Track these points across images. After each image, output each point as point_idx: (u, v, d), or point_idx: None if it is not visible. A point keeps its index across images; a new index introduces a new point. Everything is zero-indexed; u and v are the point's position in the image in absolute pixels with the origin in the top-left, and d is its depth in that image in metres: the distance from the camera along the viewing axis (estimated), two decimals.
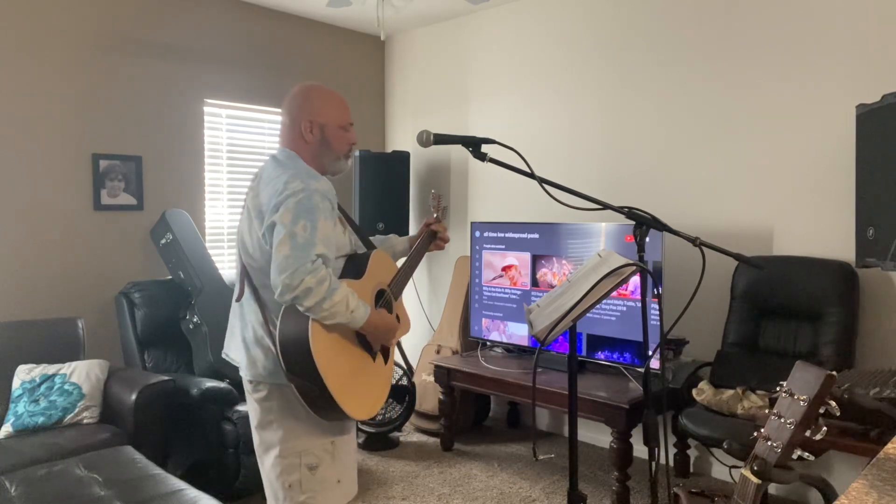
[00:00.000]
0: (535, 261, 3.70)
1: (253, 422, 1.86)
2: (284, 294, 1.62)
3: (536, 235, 3.68)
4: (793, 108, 3.17)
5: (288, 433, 1.78)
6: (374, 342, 1.84)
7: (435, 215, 2.21)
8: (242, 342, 1.83)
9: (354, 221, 2.00)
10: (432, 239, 2.16)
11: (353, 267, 1.84)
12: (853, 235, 2.80)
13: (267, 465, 1.82)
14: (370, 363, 1.83)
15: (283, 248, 1.64)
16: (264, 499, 1.88)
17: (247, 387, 1.86)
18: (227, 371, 3.23)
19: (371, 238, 2.13)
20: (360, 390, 1.75)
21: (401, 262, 2.11)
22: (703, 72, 3.45)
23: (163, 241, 3.62)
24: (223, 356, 1.94)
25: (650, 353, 2.52)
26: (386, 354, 1.92)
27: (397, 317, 1.95)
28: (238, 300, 1.85)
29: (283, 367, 1.68)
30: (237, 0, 4.17)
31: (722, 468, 3.39)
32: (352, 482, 1.89)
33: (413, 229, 4.69)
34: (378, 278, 1.90)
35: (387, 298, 1.93)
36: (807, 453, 1.04)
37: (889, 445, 1.20)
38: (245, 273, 1.83)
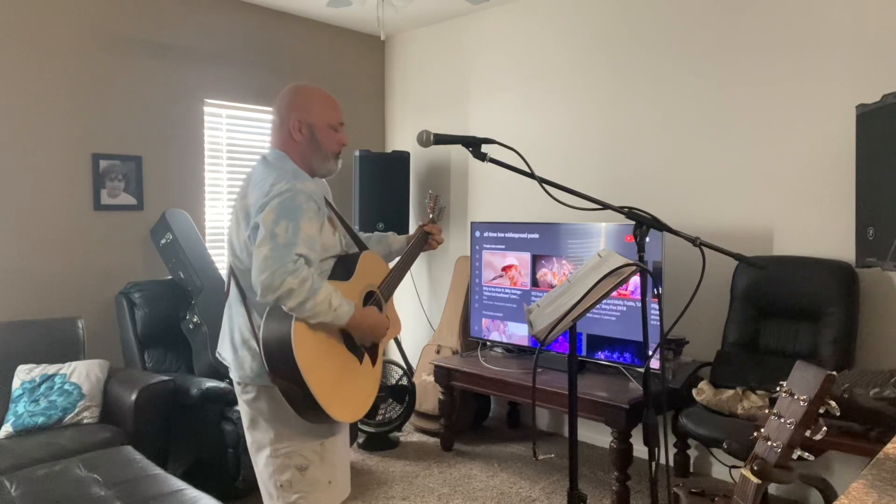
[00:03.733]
0: (535, 261, 3.70)
1: (244, 422, 1.87)
2: (266, 295, 1.62)
3: (536, 235, 3.68)
4: (793, 108, 3.17)
5: (277, 434, 1.78)
6: (361, 340, 1.83)
7: (430, 216, 2.20)
8: (230, 343, 1.84)
9: (347, 222, 1.98)
10: (425, 240, 2.14)
11: (343, 268, 1.84)
12: (853, 235, 2.80)
13: (260, 464, 1.83)
14: (356, 365, 1.82)
15: (263, 248, 1.63)
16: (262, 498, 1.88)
17: (236, 388, 1.87)
18: (227, 371, 3.23)
19: (369, 235, 2.12)
20: (345, 393, 1.74)
21: (393, 263, 2.09)
22: (703, 71, 3.45)
23: (163, 241, 3.62)
24: (216, 355, 1.95)
25: (650, 353, 2.52)
26: (374, 356, 1.91)
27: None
28: (225, 300, 1.86)
29: (267, 369, 1.68)
30: (237, 0, 4.17)
31: (722, 468, 3.39)
32: (344, 483, 1.89)
33: (413, 229, 4.69)
34: (367, 279, 1.90)
35: (376, 299, 1.92)
36: (807, 453, 1.04)
37: (889, 445, 1.20)
38: (232, 274, 1.83)
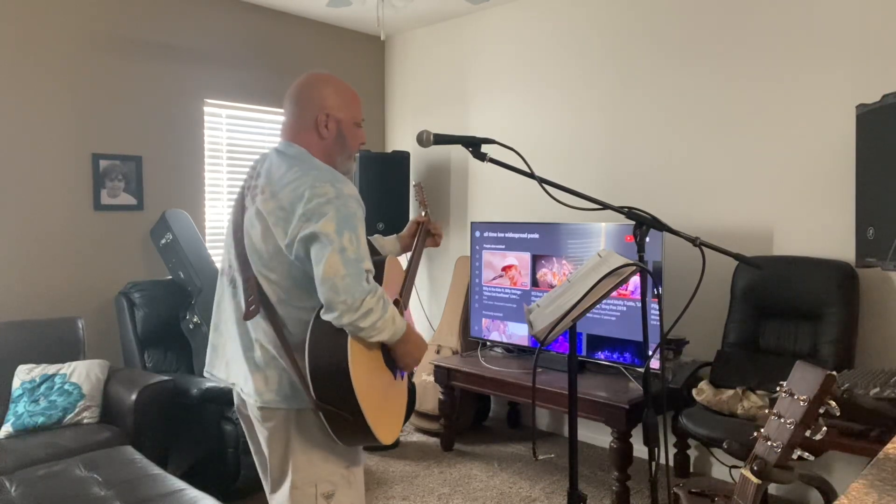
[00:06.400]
0: (535, 261, 3.70)
1: (264, 450, 1.69)
2: (343, 316, 1.48)
3: (536, 235, 3.68)
4: (793, 108, 3.17)
5: (303, 461, 1.63)
6: (402, 360, 1.69)
7: (423, 212, 2.10)
8: (246, 363, 1.64)
9: None
10: (426, 238, 2.07)
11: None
12: (853, 235, 2.80)
13: (280, 497, 1.67)
14: (393, 382, 1.71)
15: (336, 266, 1.47)
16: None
17: (254, 413, 1.67)
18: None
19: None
20: (388, 413, 1.64)
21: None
22: (704, 71, 3.45)
23: (163, 241, 3.62)
24: (206, 374, 1.78)
25: (650, 353, 2.52)
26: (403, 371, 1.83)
27: None
28: (249, 318, 1.63)
29: (313, 393, 1.52)
30: (237, 0, 4.17)
31: (722, 468, 3.39)
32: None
33: None
34: (392, 287, 1.79)
35: (399, 309, 1.81)
36: (807, 453, 1.04)
37: (889, 445, 1.20)
38: (256, 286, 1.62)
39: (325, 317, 1.51)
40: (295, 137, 1.69)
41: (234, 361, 1.69)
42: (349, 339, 1.52)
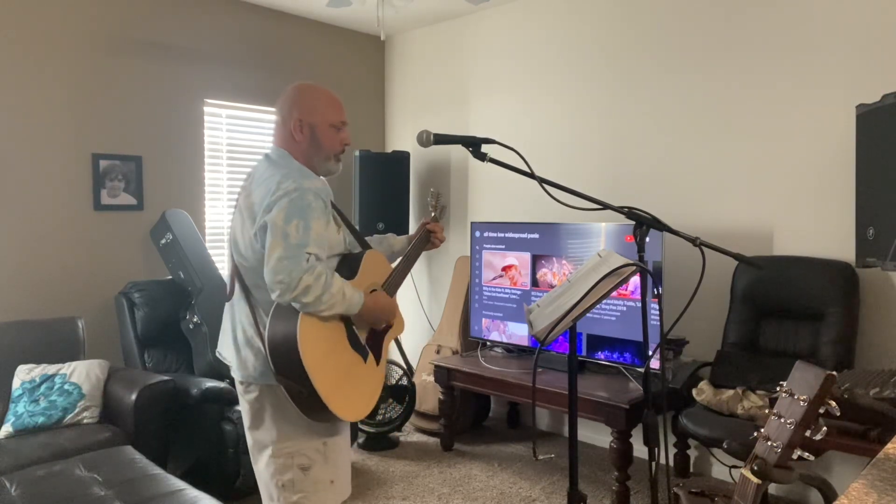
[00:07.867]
0: (535, 261, 3.70)
1: (246, 422, 1.87)
2: (284, 295, 1.63)
3: (536, 235, 3.68)
4: (793, 108, 3.17)
5: (279, 434, 1.78)
6: (373, 325, 1.86)
7: (433, 214, 2.22)
8: (233, 342, 1.84)
9: (350, 222, 1.98)
10: (428, 239, 2.15)
11: (347, 267, 1.84)
12: (853, 235, 2.80)
13: (261, 464, 1.83)
14: (361, 364, 1.83)
15: (276, 249, 1.64)
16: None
17: (238, 387, 1.88)
18: (227, 371, 3.23)
19: (369, 238, 2.11)
20: (349, 392, 1.75)
21: (395, 262, 2.10)
22: (704, 72, 3.45)
23: (163, 241, 3.62)
24: (217, 354, 1.97)
25: (650, 353, 2.52)
26: (378, 355, 1.92)
27: None
28: (229, 299, 1.86)
29: (272, 368, 1.68)
30: (237, 0, 4.17)
31: (722, 468, 3.39)
32: (346, 483, 1.89)
33: (413, 229, 4.69)
34: (371, 278, 1.90)
35: None
36: (807, 453, 1.04)
37: (889, 445, 1.20)
38: (236, 272, 1.83)
39: (272, 296, 1.67)
40: (279, 143, 1.87)
41: (230, 343, 1.88)
42: (300, 316, 1.66)
